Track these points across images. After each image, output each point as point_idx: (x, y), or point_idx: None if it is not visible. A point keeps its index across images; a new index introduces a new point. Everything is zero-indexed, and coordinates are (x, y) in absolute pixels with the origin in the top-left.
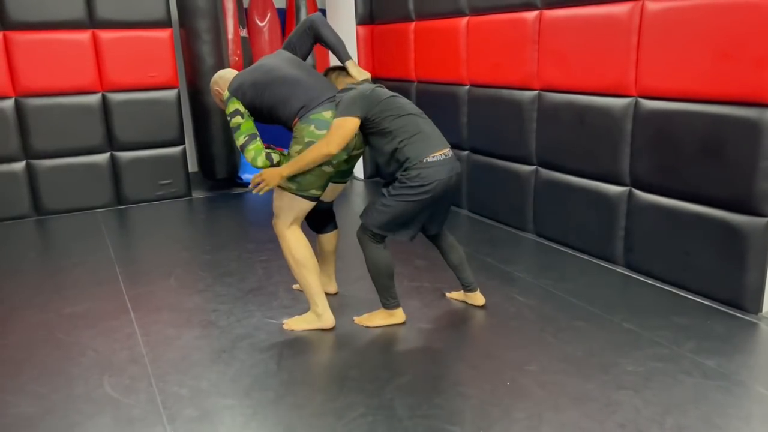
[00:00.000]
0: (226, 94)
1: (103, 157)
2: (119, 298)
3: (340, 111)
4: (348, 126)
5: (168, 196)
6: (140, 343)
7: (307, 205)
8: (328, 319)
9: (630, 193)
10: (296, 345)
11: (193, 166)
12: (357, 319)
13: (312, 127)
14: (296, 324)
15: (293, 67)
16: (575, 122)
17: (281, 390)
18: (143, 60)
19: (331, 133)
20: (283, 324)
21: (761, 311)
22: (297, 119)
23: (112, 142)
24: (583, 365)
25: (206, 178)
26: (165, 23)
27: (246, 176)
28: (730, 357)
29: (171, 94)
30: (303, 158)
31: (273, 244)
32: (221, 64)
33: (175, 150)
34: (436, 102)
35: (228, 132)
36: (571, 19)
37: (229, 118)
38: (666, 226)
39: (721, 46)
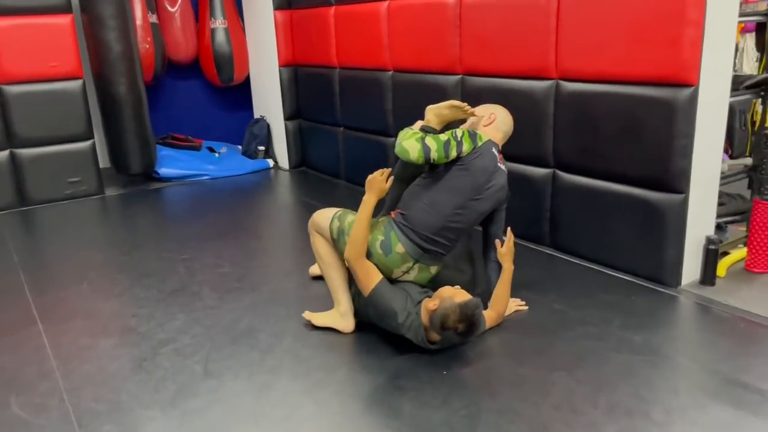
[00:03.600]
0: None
1: (1, 155)
2: (25, 308)
3: (380, 288)
4: (368, 277)
5: (78, 195)
6: (50, 357)
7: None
8: (347, 324)
9: (554, 175)
10: (223, 348)
11: (104, 161)
12: (306, 314)
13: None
14: (317, 318)
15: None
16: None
17: (210, 396)
18: (42, 49)
19: (360, 266)
20: (303, 314)
21: (680, 284)
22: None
23: (10, 139)
24: (516, 349)
25: (119, 173)
26: (65, 8)
27: (162, 170)
28: (654, 331)
29: (75, 85)
30: (356, 228)
31: (194, 242)
32: (130, 51)
33: (84, 145)
34: (360, 88)
35: (141, 124)
36: (491, 3)
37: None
38: (589, 205)
39: (635, 29)
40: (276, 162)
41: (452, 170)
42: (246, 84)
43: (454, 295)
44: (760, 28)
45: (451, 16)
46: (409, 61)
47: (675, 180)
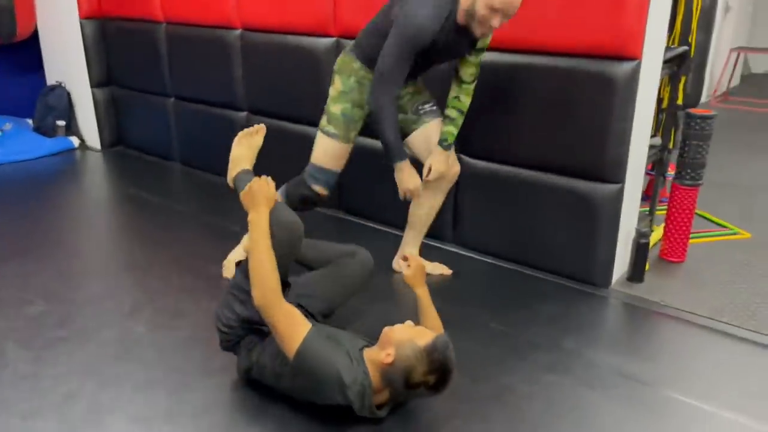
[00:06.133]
0: None
1: None
2: None
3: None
4: (292, 328)
5: None
6: None
7: None
8: None
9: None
10: None
11: None
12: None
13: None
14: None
15: None
16: None
17: None
18: None
19: (279, 312)
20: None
21: (611, 284)
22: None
23: None
24: (471, 394)
25: None
26: None
27: None
28: (613, 350)
29: None
30: (257, 260)
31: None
32: None
33: None
34: (197, 50)
35: None
36: None
37: None
38: (502, 196)
39: None
40: (83, 140)
41: None
42: (34, 41)
43: (413, 336)
44: None
45: None
46: (264, 17)
47: (611, 168)
